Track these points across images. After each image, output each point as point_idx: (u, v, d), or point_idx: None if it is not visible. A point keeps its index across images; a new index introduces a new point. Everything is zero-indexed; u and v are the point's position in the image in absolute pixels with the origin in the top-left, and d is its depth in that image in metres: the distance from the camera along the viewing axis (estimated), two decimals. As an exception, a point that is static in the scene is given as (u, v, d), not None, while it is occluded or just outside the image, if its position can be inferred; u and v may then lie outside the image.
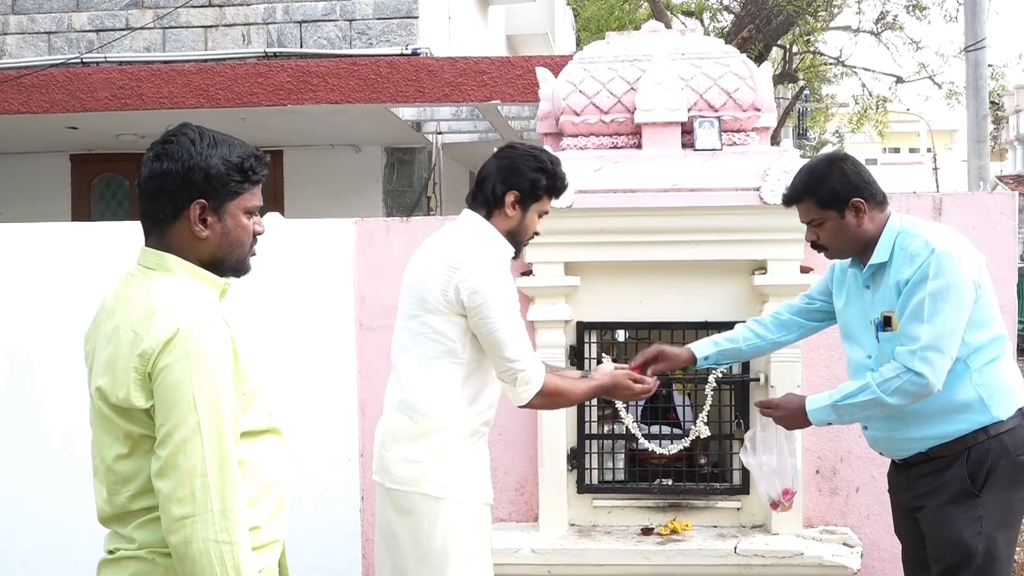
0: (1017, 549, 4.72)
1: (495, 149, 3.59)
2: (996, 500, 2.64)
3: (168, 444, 1.71)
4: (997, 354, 2.68)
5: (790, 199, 2.81)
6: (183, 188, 1.83)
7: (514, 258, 2.80)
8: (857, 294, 2.82)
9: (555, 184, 2.78)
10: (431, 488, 2.65)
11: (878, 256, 2.70)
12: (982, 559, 2.64)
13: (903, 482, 2.83)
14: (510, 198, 2.72)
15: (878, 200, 2.72)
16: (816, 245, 2.81)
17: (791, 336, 3.08)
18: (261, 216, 1.99)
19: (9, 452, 4.02)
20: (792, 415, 2.82)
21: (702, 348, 3.07)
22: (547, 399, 2.72)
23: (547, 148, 2.89)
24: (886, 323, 2.69)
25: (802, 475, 3.68)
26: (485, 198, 2.74)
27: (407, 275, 2.79)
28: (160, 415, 1.72)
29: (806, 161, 3.00)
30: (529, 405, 2.71)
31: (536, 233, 2.83)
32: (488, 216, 2.74)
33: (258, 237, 1.96)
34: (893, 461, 2.88)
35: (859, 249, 2.74)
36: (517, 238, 2.77)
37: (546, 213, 2.83)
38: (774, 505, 3.01)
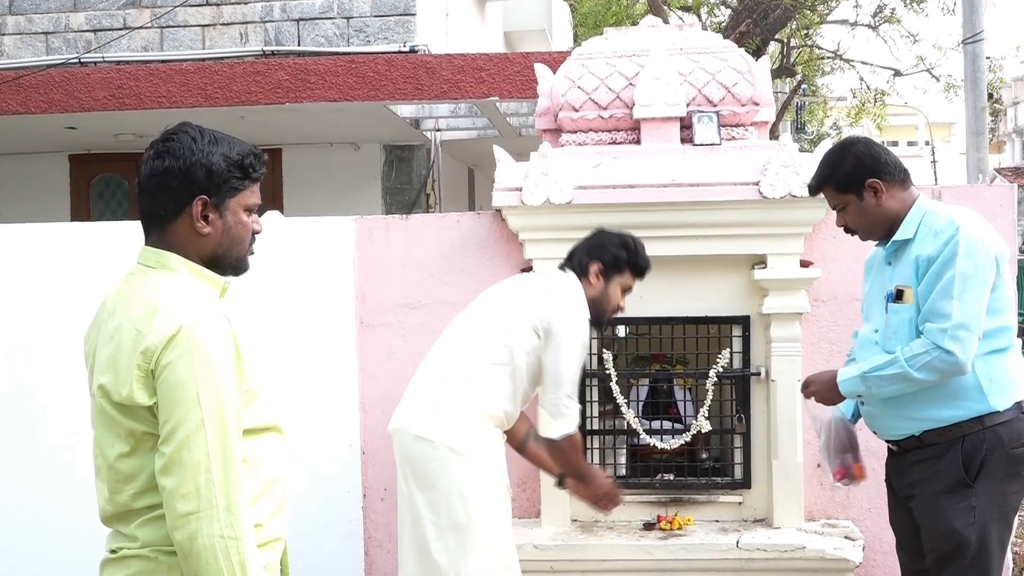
0: (1017, 540, 4.74)
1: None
2: (990, 491, 2.64)
3: (172, 441, 1.71)
4: (1003, 345, 2.68)
5: (814, 189, 2.90)
6: (185, 185, 1.84)
7: (595, 327, 3.21)
8: (879, 271, 2.88)
9: (636, 262, 3.17)
10: (459, 444, 2.87)
11: (903, 232, 2.74)
12: (975, 550, 2.64)
13: (897, 469, 2.85)
14: (594, 268, 3.12)
15: (897, 179, 2.77)
16: (847, 229, 2.88)
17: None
18: (260, 215, 1.99)
19: (9, 452, 4.02)
20: (825, 389, 2.88)
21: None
22: (570, 446, 3.03)
23: (632, 233, 3.26)
24: (898, 296, 2.73)
25: (803, 468, 3.69)
26: (574, 266, 3.15)
27: (489, 294, 3.17)
28: (163, 412, 1.73)
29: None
30: (553, 442, 3.02)
31: (621, 307, 3.20)
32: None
33: (256, 236, 1.97)
34: (890, 449, 2.89)
35: (886, 228, 2.78)
36: (599, 307, 3.13)
37: (630, 290, 3.21)
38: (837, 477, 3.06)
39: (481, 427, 2.94)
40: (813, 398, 2.95)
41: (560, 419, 2.97)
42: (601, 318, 3.17)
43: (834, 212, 3.60)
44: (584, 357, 3.06)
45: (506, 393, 2.98)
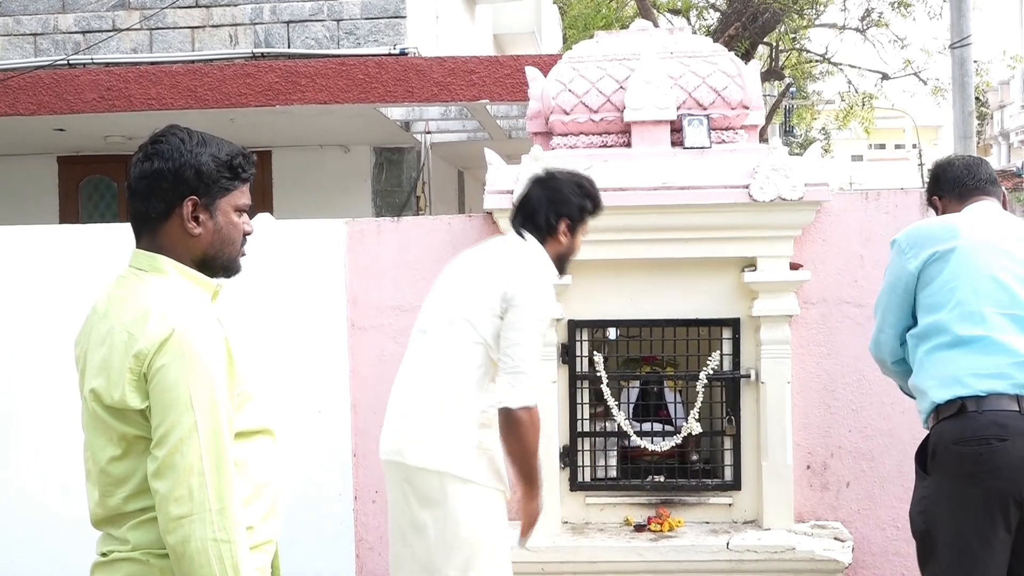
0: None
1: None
2: (938, 486, 2.64)
3: (165, 444, 1.71)
4: (940, 341, 2.70)
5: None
6: (175, 186, 1.84)
7: (559, 274, 2.99)
8: None
9: (598, 206, 2.97)
10: (458, 468, 2.72)
11: None
12: (923, 541, 2.67)
13: None
14: (563, 227, 2.89)
15: (954, 194, 2.94)
16: None
17: None
18: (251, 217, 2.00)
19: (-1, 456, 4.01)
20: None
21: None
22: (530, 419, 2.74)
23: (580, 171, 3.07)
24: None
25: (793, 470, 3.70)
26: (537, 227, 2.89)
27: (452, 273, 2.92)
28: (156, 416, 1.72)
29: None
30: (513, 414, 2.73)
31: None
32: (541, 243, 2.89)
33: (247, 237, 1.97)
34: None
35: None
36: (564, 260, 2.96)
37: (586, 232, 3.00)
38: None
39: (476, 442, 2.77)
40: None
41: (520, 384, 2.71)
42: (565, 267, 2.99)
43: (823, 215, 3.64)
44: (545, 328, 2.83)
45: (487, 387, 2.81)
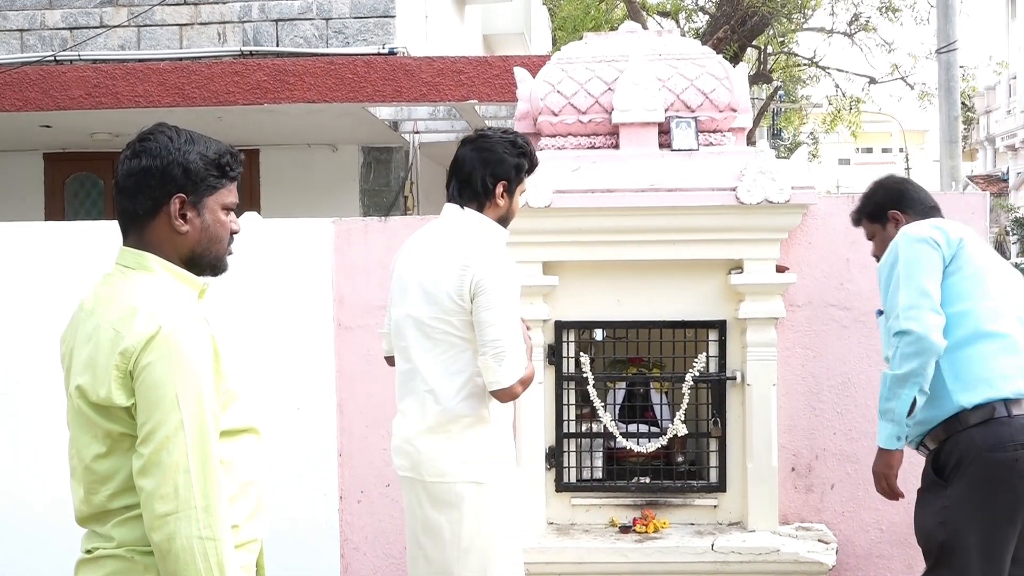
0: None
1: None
2: (965, 494, 2.63)
3: (151, 442, 1.71)
4: (965, 334, 2.68)
5: (855, 220, 3.11)
6: (162, 183, 1.85)
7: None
8: None
9: (533, 164, 2.87)
10: (474, 475, 2.70)
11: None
12: (945, 551, 2.64)
13: None
14: (500, 189, 2.78)
15: (919, 212, 2.94)
16: (877, 257, 3.02)
17: None
18: (238, 216, 2.00)
19: (-17, 454, 3.98)
20: (881, 470, 2.84)
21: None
22: (524, 386, 2.72)
23: (513, 129, 3.00)
24: (880, 312, 2.95)
25: (778, 472, 3.72)
26: (474, 192, 2.78)
27: (406, 275, 2.81)
28: (142, 413, 1.72)
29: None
30: (508, 390, 2.66)
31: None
32: (480, 208, 2.79)
33: (234, 236, 1.97)
34: None
35: None
36: (504, 223, 2.86)
37: (524, 190, 2.90)
38: None
39: (483, 441, 2.73)
40: (887, 488, 2.89)
41: (505, 362, 2.62)
42: (506, 227, 2.87)
43: (809, 218, 3.66)
44: (516, 301, 2.73)
45: (481, 384, 2.72)
